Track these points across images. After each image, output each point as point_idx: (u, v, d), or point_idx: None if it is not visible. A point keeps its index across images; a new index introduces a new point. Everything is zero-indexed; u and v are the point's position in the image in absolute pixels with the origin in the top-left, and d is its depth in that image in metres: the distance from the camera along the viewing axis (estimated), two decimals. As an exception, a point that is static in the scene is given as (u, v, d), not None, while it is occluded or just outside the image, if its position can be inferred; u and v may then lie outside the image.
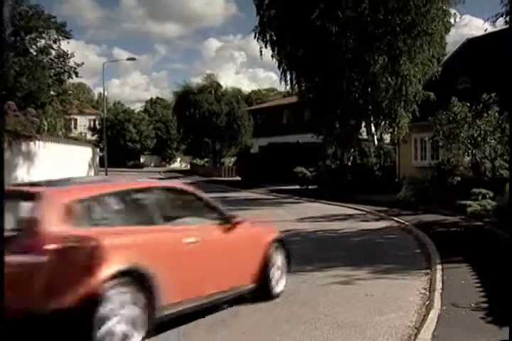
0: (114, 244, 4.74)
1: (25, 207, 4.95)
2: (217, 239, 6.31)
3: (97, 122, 76.54)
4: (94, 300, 4.35)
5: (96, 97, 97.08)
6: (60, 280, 4.35)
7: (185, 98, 56.57)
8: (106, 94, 59.69)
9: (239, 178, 42.12)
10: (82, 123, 75.79)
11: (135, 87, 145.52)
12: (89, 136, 72.26)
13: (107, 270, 4.49)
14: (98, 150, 27.31)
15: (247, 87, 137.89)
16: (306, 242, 13.31)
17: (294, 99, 34.56)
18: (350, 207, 20.84)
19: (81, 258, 4.45)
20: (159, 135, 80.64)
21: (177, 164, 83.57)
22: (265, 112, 54.01)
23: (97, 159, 25.40)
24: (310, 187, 30.38)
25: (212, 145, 59.40)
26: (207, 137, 57.54)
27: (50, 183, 5.70)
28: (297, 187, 31.05)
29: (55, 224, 4.64)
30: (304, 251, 11.95)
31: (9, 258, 3.19)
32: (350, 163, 29.30)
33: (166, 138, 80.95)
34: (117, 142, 72.92)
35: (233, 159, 56.69)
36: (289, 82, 27.22)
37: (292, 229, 15.80)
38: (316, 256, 11.18)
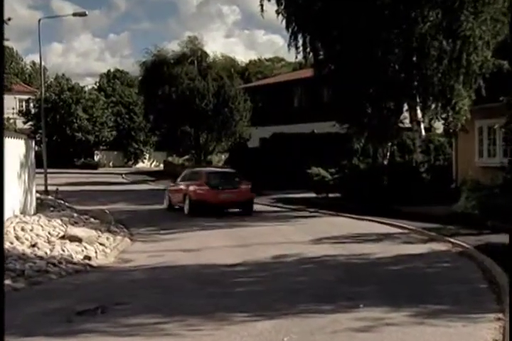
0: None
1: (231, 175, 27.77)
2: None
3: (31, 104, 76.60)
4: (253, 197, 26.85)
5: (29, 68, 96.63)
6: (246, 194, 26.16)
7: (157, 71, 56.31)
8: (43, 63, 59.45)
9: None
10: (10, 105, 75.28)
11: (85, 55, 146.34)
12: (20, 124, 72.17)
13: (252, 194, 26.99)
14: (34, 143, 26.91)
15: (242, 55, 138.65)
16: (324, 272, 13.31)
17: (308, 73, 34.46)
18: (386, 223, 20.99)
19: (248, 189, 26.43)
20: (120, 123, 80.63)
21: (146, 163, 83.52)
22: (268, 91, 54.14)
23: (33, 156, 24.90)
24: (330, 195, 30.52)
25: (195, 138, 59.19)
26: (188, 126, 57.54)
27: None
28: (313, 195, 31.35)
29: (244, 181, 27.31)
30: (321, 285, 11.92)
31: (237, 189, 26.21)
32: (386, 162, 29.32)
33: (129, 126, 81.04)
34: (62, 132, 72.94)
35: (224, 156, 56.69)
36: (301, 48, 27.03)
37: (304, 252, 15.81)
38: (338, 291, 11.12)
